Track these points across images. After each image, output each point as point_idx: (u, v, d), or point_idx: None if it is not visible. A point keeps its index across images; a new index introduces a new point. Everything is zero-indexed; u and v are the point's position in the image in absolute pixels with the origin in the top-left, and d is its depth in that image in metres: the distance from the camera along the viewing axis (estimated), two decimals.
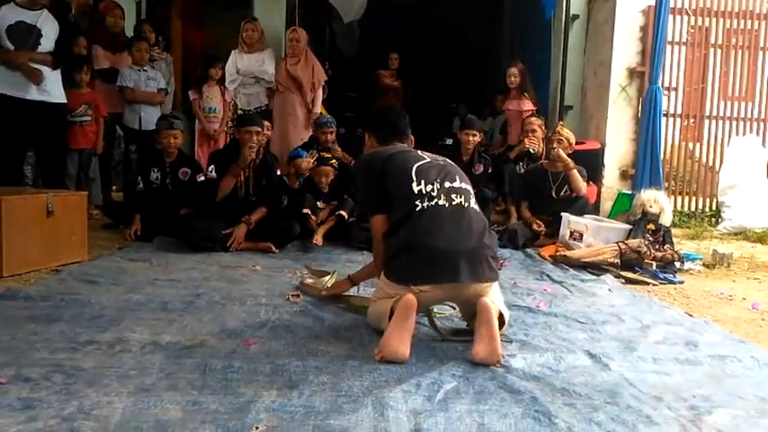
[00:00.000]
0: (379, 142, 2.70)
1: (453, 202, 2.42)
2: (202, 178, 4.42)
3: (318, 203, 4.57)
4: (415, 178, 2.43)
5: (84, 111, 4.94)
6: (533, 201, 4.93)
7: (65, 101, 4.40)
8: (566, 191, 4.85)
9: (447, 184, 2.46)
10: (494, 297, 2.40)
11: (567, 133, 4.92)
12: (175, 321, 2.49)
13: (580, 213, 4.64)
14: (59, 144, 4.53)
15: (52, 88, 4.21)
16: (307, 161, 4.78)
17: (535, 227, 4.73)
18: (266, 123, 5.12)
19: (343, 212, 4.42)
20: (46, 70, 4.14)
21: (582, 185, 4.83)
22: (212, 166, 4.25)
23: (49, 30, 4.16)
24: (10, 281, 3.03)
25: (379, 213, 2.50)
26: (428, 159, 2.55)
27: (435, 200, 2.40)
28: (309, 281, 3.12)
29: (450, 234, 2.34)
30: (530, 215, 4.86)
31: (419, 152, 2.62)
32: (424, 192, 2.40)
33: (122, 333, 2.30)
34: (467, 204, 2.46)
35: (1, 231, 3.05)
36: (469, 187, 2.56)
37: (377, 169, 2.49)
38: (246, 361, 2.09)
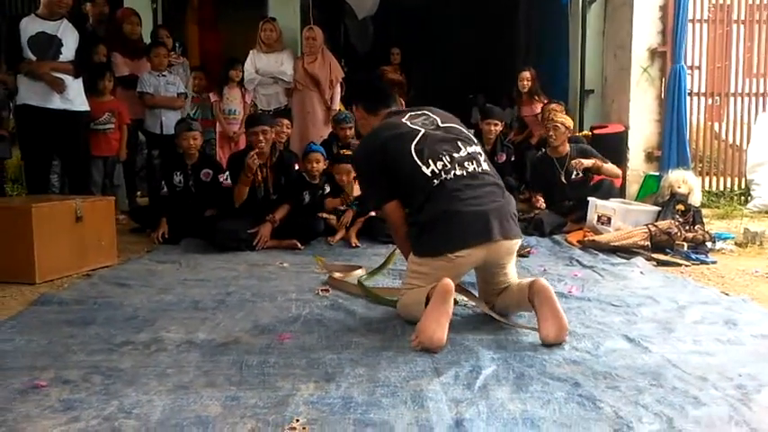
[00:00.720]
0: (368, 111, 2.69)
1: (468, 170, 2.42)
2: (224, 177, 4.45)
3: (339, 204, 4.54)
4: (419, 162, 2.39)
5: (107, 118, 4.98)
6: (547, 189, 4.87)
7: (87, 109, 4.45)
8: (576, 174, 4.78)
9: (455, 155, 2.43)
10: (512, 268, 2.49)
11: (561, 118, 4.82)
12: (208, 320, 2.49)
13: (606, 197, 4.58)
14: (84, 151, 4.58)
15: (75, 97, 4.26)
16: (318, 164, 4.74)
17: (534, 201, 4.86)
18: (285, 122, 5.13)
19: (374, 212, 4.37)
20: (68, 79, 4.19)
21: (614, 171, 4.80)
22: (227, 173, 4.25)
23: (69, 39, 4.20)
24: (43, 287, 3.06)
25: (391, 201, 2.48)
26: (421, 131, 2.47)
27: (452, 171, 2.39)
28: (338, 275, 3.11)
29: (474, 197, 2.36)
30: (534, 196, 4.92)
31: (408, 123, 2.52)
32: (436, 171, 2.38)
33: (157, 333, 2.31)
34: (480, 169, 2.46)
35: (32, 239, 3.09)
36: (475, 148, 2.52)
37: (376, 162, 2.47)
38: (282, 356, 2.08)
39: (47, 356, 2.07)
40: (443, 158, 2.40)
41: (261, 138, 4.12)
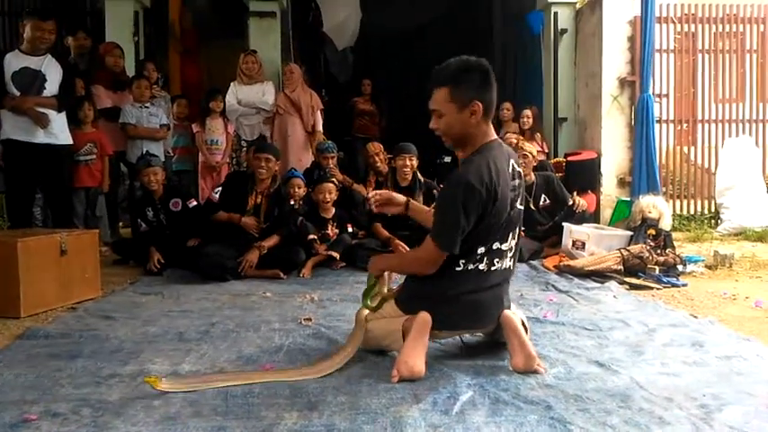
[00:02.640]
0: (485, 115, 2.24)
1: (503, 266, 2.32)
2: (194, 203, 4.59)
3: (327, 231, 4.62)
4: (501, 234, 2.25)
5: (89, 149, 5.02)
6: None
7: (71, 142, 4.51)
8: (543, 200, 4.92)
9: (496, 246, 2.28)
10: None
11: (528, 147, 4.95)
12: (193, 351, 2.54)
13: (580, 222, 4.72)
14: (67, 184, 4.62)
15: (59, 131, 4.31)
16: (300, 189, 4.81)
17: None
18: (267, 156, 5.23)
19: (335, 254, 4.40)
20: (52, 113, 4.24)
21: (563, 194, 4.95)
22: (219, 189, 4.35)
23: (53, 74, 4.26)
24: (28, 321, 3.08)
25: (453, 250, 2.22)
26: (516, 205, 2.31)
27: (498, 263, 2.29)
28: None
29: (491, 286, 2.32)
30: None
31: (510, 182, 2.28)
32: (497, 249, 2.28)
33: (143, 365, 2.36)
34: (511, 265, 2.36)
35: (18, 273, 3.12)
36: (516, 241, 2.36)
37: (486, 200, 2.18)
38: (266, 385, 2.13)
39: (36, 390, 2.11)
40: (506, 243, 2.29)
41: (263, 164, 4.24)
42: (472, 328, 2.43)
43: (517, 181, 2.33)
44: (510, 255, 2.35)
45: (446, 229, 2.21)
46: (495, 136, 2.34)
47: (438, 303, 2.28)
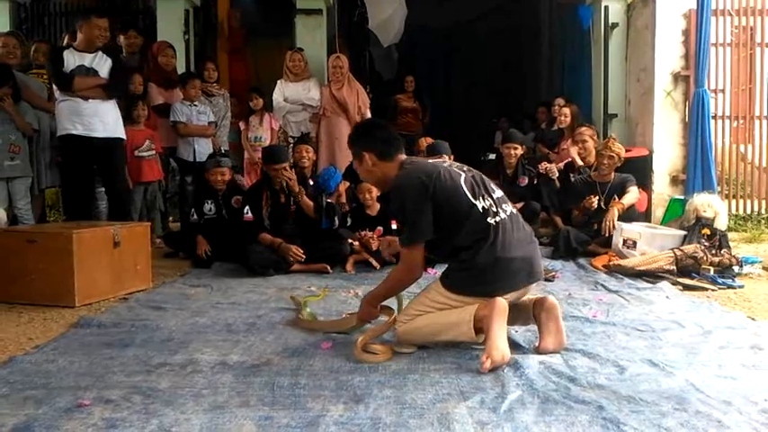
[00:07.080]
0: (382, 158, 2.53)
1: (507, 212, 2.49)
2: (246, 211, 4.40)
3: (367, 232, 4.56)
4: (471, 197, 2.41)
5: (148, 146, 5.13)
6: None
7: (125, 137, 4.63)
8: (614, 199, 4.80)
9: (495, 196, 2.50)
10: None
11: (617, 148, 4.83)
12: (241, 342, 2.58)
13: (628, 219, 4.59)
14: (123, 177, 4.75)
15: (114, 124, 4.45)
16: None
17: (587, 204, 4.74)
18: (307, 147, 5.24)
19: (375, 264, 4.29)
20: (106, 105, 4.37)
21: (632, 201, 4.80)
22: (247, 207, 4.30)
23: (103, 68, 4.40)
24: (82, 310, 3.18)
25: (426, 240, 2.42)
26: (462, 174, 2.50)
27: (498, 215, 2.44)
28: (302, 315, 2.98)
29: (519, 240, 2.46)
30: (577, 212, 4.88)
31: (447, 164, 2.58)
32: (486, 207, 2.42)
33: (192, 355, 2.40)
34: (513, 210, 2.56)
35: (73, 264, 3.22)
36: (501, 191, 2.61)
37: (427, 195, 2.38)
38: (312, 377, 2.15)
39: (89, 377, 2.17)
40: (486, 199, 2.45)
41: (279, 174, 4.22)
42: (528, 281, 2.47)
43: (445, 163, 2.65)
44: (506, 203, 2.53)
45: (416, 227, 2.41)
46: (401, 163, 2.55)
47: (491, 267, 2.37)
